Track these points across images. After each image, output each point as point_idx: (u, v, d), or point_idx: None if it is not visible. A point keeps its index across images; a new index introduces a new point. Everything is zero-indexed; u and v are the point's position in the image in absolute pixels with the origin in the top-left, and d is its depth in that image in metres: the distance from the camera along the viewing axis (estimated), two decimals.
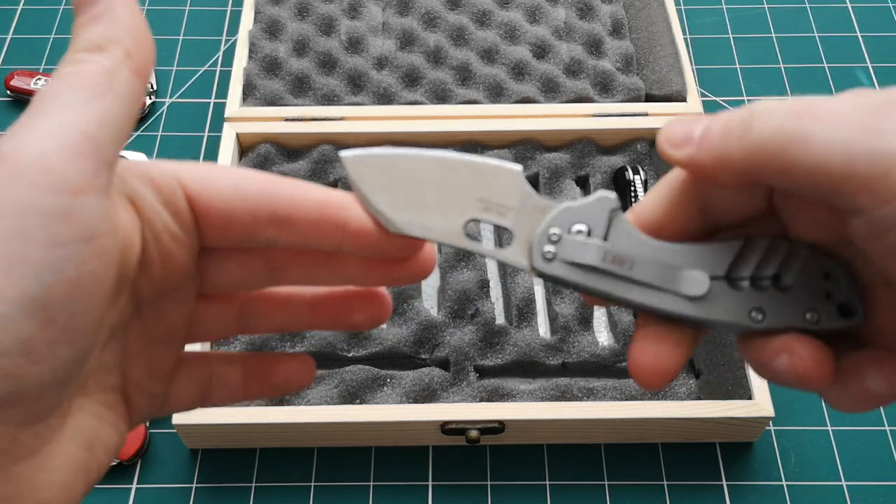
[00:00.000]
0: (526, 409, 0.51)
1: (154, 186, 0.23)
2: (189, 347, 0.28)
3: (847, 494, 0.52)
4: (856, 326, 0.24)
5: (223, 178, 0.24)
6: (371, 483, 0.53)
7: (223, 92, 0.70)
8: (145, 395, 0.26)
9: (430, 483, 0.53)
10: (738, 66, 0.73)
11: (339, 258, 0.26)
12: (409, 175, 0.25)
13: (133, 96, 0.22)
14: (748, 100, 0.71)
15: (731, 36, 0.75)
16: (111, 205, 0.21)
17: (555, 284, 0.24)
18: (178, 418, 0.50)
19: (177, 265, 0.24)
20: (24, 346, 0.19)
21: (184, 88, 0.71)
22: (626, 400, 0.52)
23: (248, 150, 0.63)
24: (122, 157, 0.23)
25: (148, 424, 0.54)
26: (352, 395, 0.52)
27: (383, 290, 0.28)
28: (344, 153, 0.25)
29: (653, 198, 0.26)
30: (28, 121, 0.21)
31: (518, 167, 0.25)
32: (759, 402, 0.50)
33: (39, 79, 0.69)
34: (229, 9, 0.77)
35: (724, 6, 0.78)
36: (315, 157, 0.63)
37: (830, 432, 0.55)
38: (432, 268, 0.26)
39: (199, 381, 0.28)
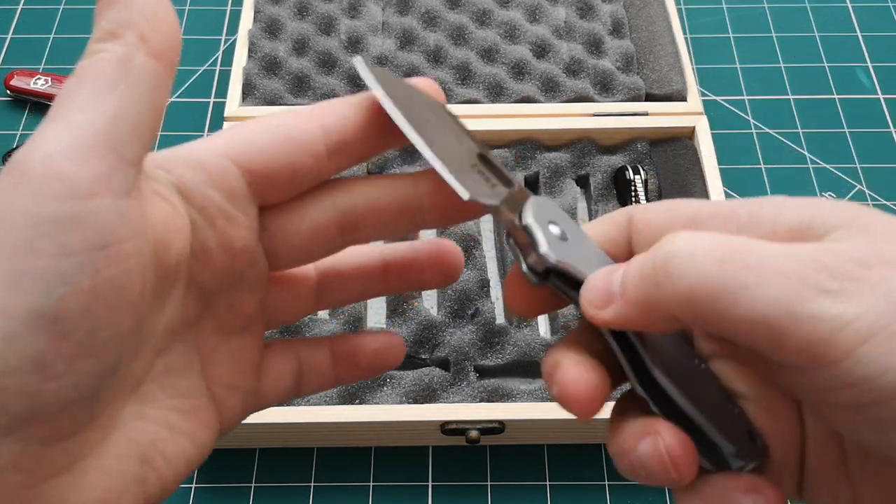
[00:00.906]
0: (526, 409, 0.51)
1: (203, 170, 0.22)
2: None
3: None
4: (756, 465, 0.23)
5: (270, 139, 0.23)
6: (371, 483, 0.53)
7: (223, 91, 0.70)
8: (236, 393, 0.25)
9: (430, 483, 0.53)
10: (738, 65, 0.73)
11: (412, 211, 0.25)
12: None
13: (154, 83, 0.20)
14: (748, 99, 0.71)
15: (731, 35, 0.75)
16: (134, 205, 0.20)
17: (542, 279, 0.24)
18: None
19: (238, 248, 0.23)
20: (35, 363, 0.18)
21: (183, 88, 0.71)
22: None
23: None
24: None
25: None
26: (351, 396, 0.52)
27: (453, 246, 0.28)
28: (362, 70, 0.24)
29: (598, 230, 0.25)
30: (41, 126, 0.19)
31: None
32: None
33: (39, 78, 0.69)
34: (229, 8, 0.77)
35: (724, 6, 0.77)
36: None
37: None
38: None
39: (290, 370, 0.27)
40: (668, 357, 0.23)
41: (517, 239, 0.24)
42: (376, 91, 0.23)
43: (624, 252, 0.25)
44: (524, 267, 0.24)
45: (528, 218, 0.24)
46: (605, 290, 0.22)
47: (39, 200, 0.18)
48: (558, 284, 0.24)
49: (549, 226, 0.24)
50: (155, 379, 0.22)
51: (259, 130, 0.23)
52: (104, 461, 0.21)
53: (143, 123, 0.20)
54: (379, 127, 0.24)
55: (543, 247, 0.23)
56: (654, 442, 0.22)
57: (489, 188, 0.24)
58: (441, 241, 0.28)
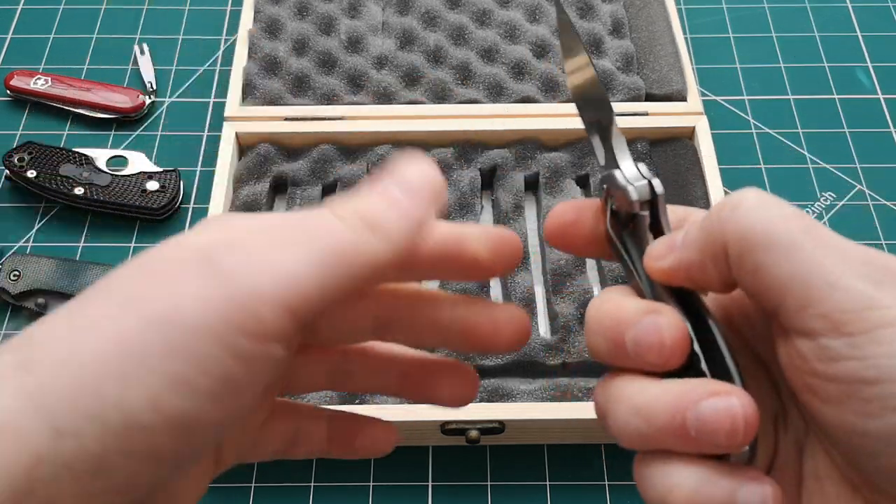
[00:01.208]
0: (526, 409, 0.51)
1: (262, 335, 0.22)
2: None
3: None
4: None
5: (316, 289, 0.21)
6: (371, 483, 0.53)
7: (223, 91, 0.70)
8: (234, 448, 0.26)
9: (430, 483, 0.53)
10: (738, 65, 0.73)
11: (442, 317, 0.25)
12: None
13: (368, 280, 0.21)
14: (748, 99, 0.71)
15: (731, 35, 0.75)
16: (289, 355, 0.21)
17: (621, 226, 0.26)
18: None
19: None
20: (157, 455, 0.19)
21: (183, 88, 0.71)
22: None
23: (248, 149, 0.63)
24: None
25: None
26: (351, 396, 0.52)
27: (470, 368, 0.28)
28: None
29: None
30: (254, 243, 0.20)
31: None
32: None
33: (39, 79, 0.69)
34: (229, 8, 0.77)
35: (724, 6, 0.77)
36: (315, 157, 0.62)
37: None
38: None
39: (286, 434, 0.27)
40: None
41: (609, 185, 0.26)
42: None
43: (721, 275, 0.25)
44: (609, 210, 0.26)
45: (656, 179, 0.25)
46: (669, 243, 0.24)
47: (230, 332, 0.19)
48: (628, 239, 0.25)
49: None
50: None
51: (302, 274, 0.21)
52: None
53: (330, 300, 0.21)
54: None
55: (633, 185, 0.25)
56: (728, 402, 0.21)
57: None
58: (455, 364, 0.28)
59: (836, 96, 0.71)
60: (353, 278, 0.21)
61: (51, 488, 0.18)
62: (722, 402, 0.21)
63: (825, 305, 0.20)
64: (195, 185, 0.65)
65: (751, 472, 0.22)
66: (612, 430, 0.24)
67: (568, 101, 0.65)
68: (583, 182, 0.63)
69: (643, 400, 0.23)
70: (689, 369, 0.23)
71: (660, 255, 0.24)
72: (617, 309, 0.24)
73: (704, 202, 0.60)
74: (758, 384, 0.25)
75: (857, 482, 0.22)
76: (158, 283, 0.20)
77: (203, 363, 0.19)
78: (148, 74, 0.71)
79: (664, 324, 0.22)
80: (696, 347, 0.23)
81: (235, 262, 0.20)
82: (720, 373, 0.23)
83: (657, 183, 0.25)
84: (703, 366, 0.23)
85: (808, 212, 0.64)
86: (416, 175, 0.23)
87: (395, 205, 0.22)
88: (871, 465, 0.20)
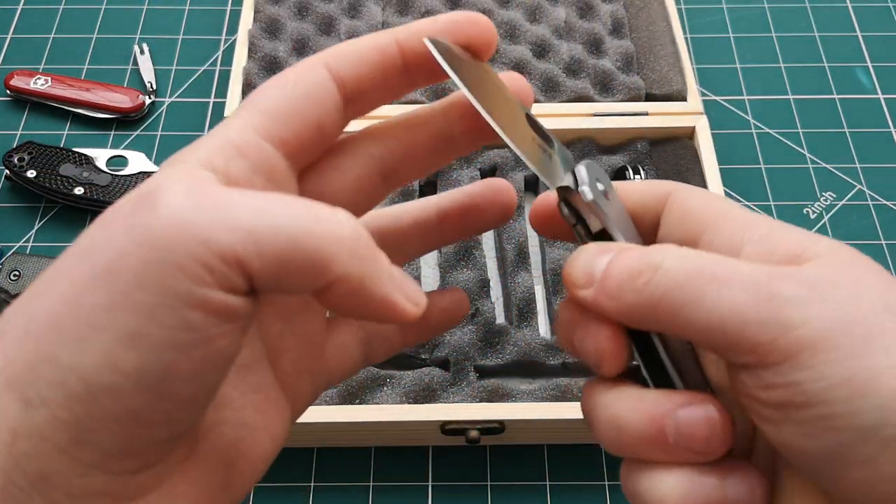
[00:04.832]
0: (526, 409, 0.51)
1: (243, 157, 0.21)
2: None
3: None
4: None
5: (294, 105, 0.22)
6: (371, 483, 0.53)
7: (223, 91, 0.70)
8: (305, 377, 0.25)
9: (429, 483, 0.53)
10: (738, 65, 0.73)
11: (446, 143, 0.26)
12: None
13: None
14: (748, 99, 0.71)
15: (731, 35, 0.75)
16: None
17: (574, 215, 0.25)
18: None
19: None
20: (135, 416, 0.18)
21: (183, 88, 0.71)
22: None
23: None
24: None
25: None
26: (351, 395, 0.52)
27: (505, 182, 0.28)
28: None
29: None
30: (187, 181, 0.19)
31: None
32: None
33: (39, 78, 0.69)
34: (229, 8, 0.77)
35: (724, 6, 0.77)
36: None
37: None
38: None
39: (356, 342, 0.27)
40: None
41: (565, 196, 0.25)
42: (448, 72, 0.23)
43: (651, 220, 0.26)
44: (563, 207, 0.25)
45: (580, 166, 0.25)
46: (587, 273, 0.23)
47: (179, 278, 0.18)
48: (580, 232, 0.25)
49: (596, 182, 0.25)
50: (227, 382, 0.22)
51: (280, 97, 0.22)
52: (190, 474, 0.21)
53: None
54: (400, 73, 0.24)
55: (584, 186, 0.25)
56: (706, 409, 0.22)
57: (546, 158, 0.25)
58: (493, 180, 0.28)
59: (836, 96, 0.71)
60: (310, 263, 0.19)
61: (36, 462, 0.18)
62: (700, 409, 0.22)
63: (745, 344, 0.20)
64: None
65: (733, 464, 0.22)
66: (595, 436, 0.24)
67: (568, 100, 0.65)
68: None
69: (621, 409, 0.23)
70: (631, 377, 0.24)
71: (581, 281, 0.23)
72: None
73: None
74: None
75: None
76: (112, 230, 0.18)
77: (154, 313, 0.18)
78: (148, 74, 0.71)
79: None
80: (637, 358, 0.24)
81: (190, 205, 0.18)
82: (663, 383, 0.24)
83: (585, 190, 0.24)
84: (645, 375, 0.24)
85: (807, 212, 0.64)
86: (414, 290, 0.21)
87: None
88: (821, 479, 0.21)
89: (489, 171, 0.63)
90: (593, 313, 0.23)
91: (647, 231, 0.26)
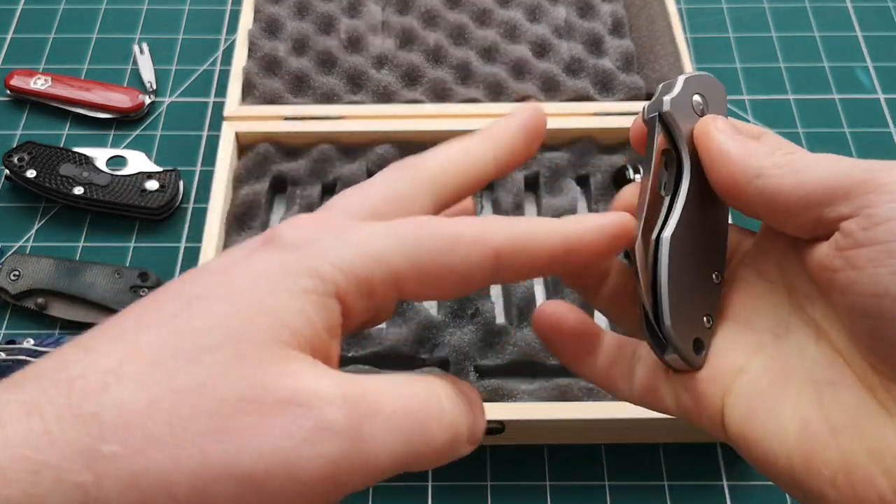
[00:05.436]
0: (526, 409, 0.51)
1: (369, 293, 0.22)
2: None
3: None
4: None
5: (448, 273, 0.23)
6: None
7: (222, 91, 0.70)
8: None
9: (429, 483, 0.53)
10: (738, 65, 0.73)
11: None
12: None
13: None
14: (748, 99, 0.71)
15: (731, 35, 0.75)
16: None
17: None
18: None
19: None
20: None
21: (183, 87, 0.71)
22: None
23: (248, 149, 0.63)
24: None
25: None
26: None
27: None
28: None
29: None
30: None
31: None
32: None
33: (39, 78, 0.69)
34: (229, 8, 0.77)
35: (724, 6, 0.77)
36: (315, 157, 0.62)
37: None
38: None
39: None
40: (688, 240, 0.27)
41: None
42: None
43: None
44: (645, 110, 0.28)
45: (682, 76, 0.27)
46: (731, 128, 0.26)
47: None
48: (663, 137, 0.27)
49: (693, 94, 0.27)
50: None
51: (437, 262, 0.23)
52: None
53: None
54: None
55: (667, 96, 0.27)
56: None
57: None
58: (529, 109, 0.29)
59: (836, 96, 0.71)
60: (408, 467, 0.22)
61: None
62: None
63: (852, 188, 0.23)
64: (195, 185, 0.65)
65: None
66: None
67: (568, 100, 0.65)
68: (583, 182, 0.63)
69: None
70: None
71: (722, 126, 0.26)
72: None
73: None
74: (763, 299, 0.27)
75: (874, 382, 0.23)
76: (259, 428, 0.19)
77: None
78: (147, 74, 0.71)
79: None
80: (640, 245, 0.27)
81: (371, 430, 0.20)
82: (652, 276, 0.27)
83: (666, 101, 0.27)
84: (637, 263, 0.27)
85: None
86: (481, 424, 0.24)
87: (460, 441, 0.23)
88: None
89: None
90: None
91: None
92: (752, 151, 0.25)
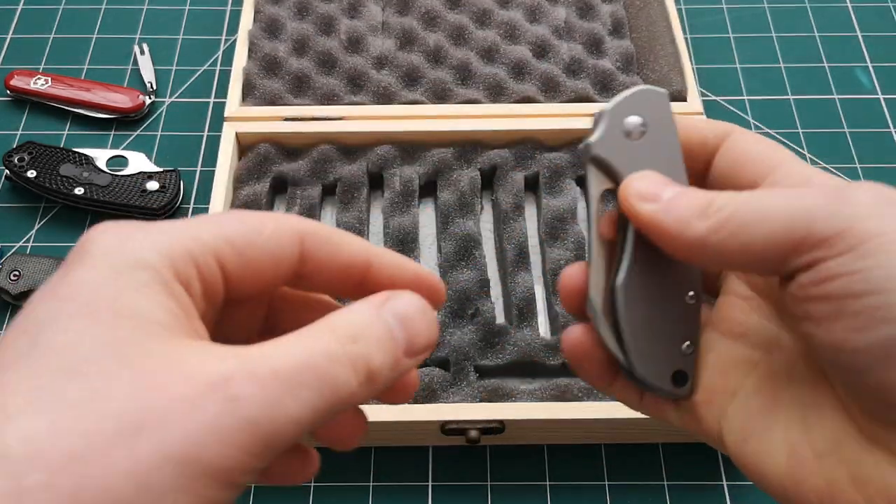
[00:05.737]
0: (526, 409, 0.51)
1: (197, 270, 0.22)
2: None
3: None
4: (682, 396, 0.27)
5: (260, 252, 0.24)
6: (371, 483, 0.53)
7: (223, 91, 0.70)
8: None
9: (430, 483, 0.53)
10: (738, 65, 0.73)
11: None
12: None
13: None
14: (748, 100, 0.71)
15: (731, 36, 0.75)
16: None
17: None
18: None
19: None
20: None
21: (183, 88, 0.71)
22: None
23: (248, 149, 0.63)
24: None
25: None
26: None
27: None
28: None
29: None
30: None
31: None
32: None
33: (39, 78, 0.69)
34: (229, 8, 0.77)
35: (724, 6, 0.77)
36: (315, 157, 0.62)
37: None
38: None
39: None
40: (644, 281, 0.26)
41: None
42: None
43: (703, 158, 0.27)
44: (581, 144, 0.27)
45: (609, 105, 0.26)
46: (655, 191, 0.25)
47: (180, 477, 0.18)
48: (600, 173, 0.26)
49: (627, 117, 0.26)
50: None
51: (249, 242, 0.24)
52: None
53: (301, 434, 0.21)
54: (355, 286, 0.27)
55: (592, 137, 0.26)
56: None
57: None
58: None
59: (836, 96, 0.71)
60: (331, 413, 0.21)
61: None
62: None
63: (812, 239, 0.22)
64: (195, 185, 0.65)
65: None
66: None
67: (568, 100, 0.65)
68: (583, 182, 0.63)
69: None
70: None
71: (648, 195, 0.25)
72: None
73: None
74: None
75: (854, 410, 0.23)
76: (174, 412, 0.19)
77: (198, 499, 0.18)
78: (148, 74, 0.71)
79: None
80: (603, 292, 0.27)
81: (256, 404, 0.19)
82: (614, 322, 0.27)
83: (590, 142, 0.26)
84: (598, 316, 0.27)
85: None
86: (425, 334, 0.24)
87: (398, 365, 0.23)
88: (865, 383, 0.21)
89: (489, 171, 0.63)
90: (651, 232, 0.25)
91: (699, 168, 0.27)
92: (683, 219, 0.24)
